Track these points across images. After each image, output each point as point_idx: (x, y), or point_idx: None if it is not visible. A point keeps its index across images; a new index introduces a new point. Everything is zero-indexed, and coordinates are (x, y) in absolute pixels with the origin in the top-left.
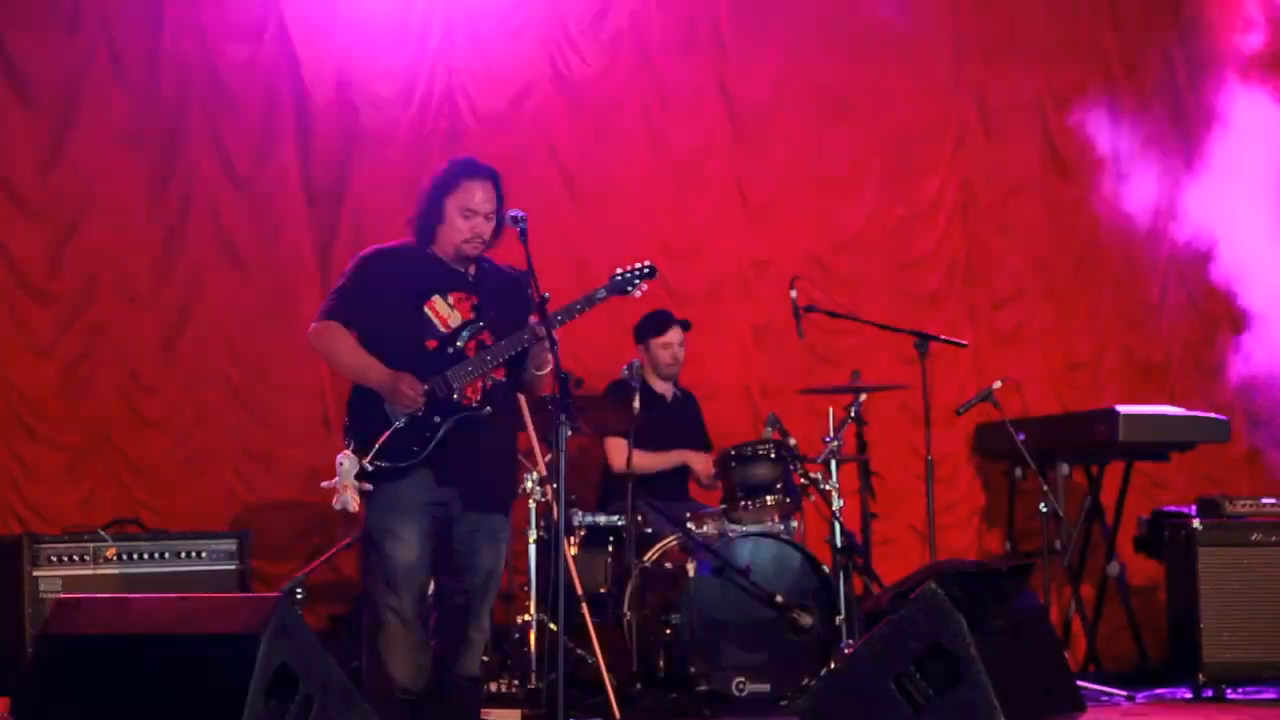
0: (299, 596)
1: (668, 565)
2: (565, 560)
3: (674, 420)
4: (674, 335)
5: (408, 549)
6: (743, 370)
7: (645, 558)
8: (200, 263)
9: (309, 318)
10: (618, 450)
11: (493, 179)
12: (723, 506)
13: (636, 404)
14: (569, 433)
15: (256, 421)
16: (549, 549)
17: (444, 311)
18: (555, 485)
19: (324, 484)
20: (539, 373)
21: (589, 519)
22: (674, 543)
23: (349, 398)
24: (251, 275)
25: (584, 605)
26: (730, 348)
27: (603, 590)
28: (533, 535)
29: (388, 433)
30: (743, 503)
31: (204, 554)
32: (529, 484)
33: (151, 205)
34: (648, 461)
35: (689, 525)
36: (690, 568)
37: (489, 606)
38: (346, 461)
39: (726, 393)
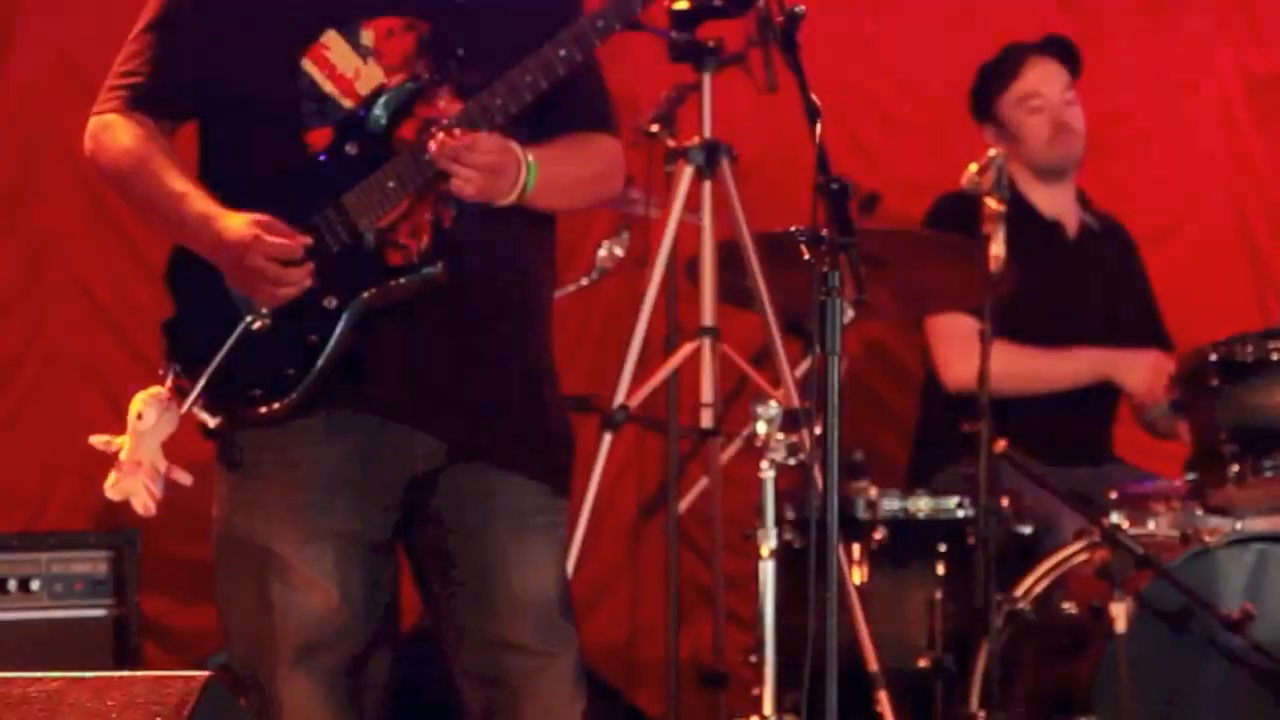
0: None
1: (1068, 606)
2: (842, 595)
3: (1084, 280)
4: (1042, 70)
5: (307, 582)
6: (1233, 172)
7: (1018, 589)
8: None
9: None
10: (959, 345)
11: None
12: (1191, 476)
13: (998, 244)
14: (850, 314)
15: (128, 353)
16: (800, 570)
17: (345, 64)
18: (817, 431)
19: (98, 441)
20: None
21: (894, 504)
22: (1083, 555)
23: (165, 272)
24: None
25: (883, 694)
26: (1205, 123)
27: (923, 663)
28: (769, 541)
29: (229, 343)
30: (1236, 467)
31: (45, 582)
32: (760, 425)
33: None
34: (1025, 368)
35: (1114, 514)
36: (1117, 612)
37: (574, 674)
38: (153, 411)
39: (1196, 225)
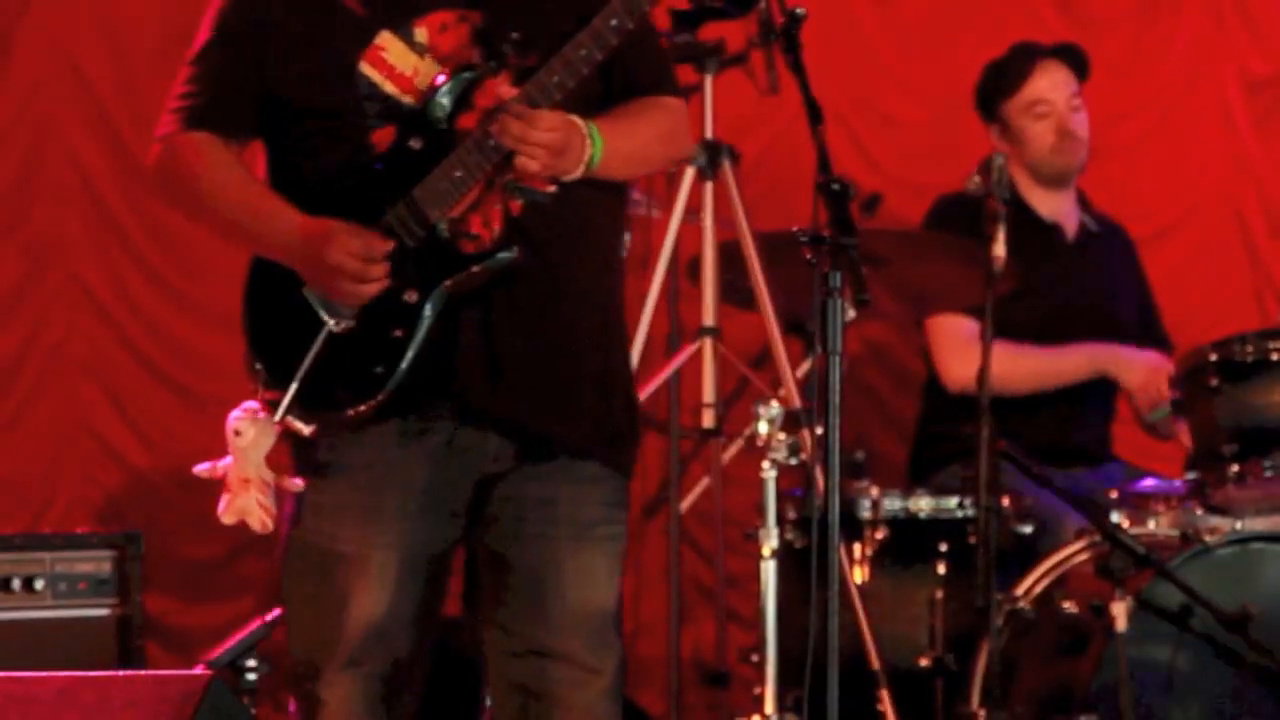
0: (251, 675)
1: (1068, 605)
2: (843, 594)
3: (1082, 283)
4: (1051, 76)
5: (369, 587)
6: (1232, 172)
7: (1019, 588)
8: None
9: None
10: (958, 347)
11: None
12: (1192, 475)
13: (999, 245)
14: (851, 314)
15: (129, 353)
16: (802, 570)
17: (403, 63)
18: (818, 429)
19: (201, 469)
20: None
21: (895, 504)
22: (1083, 554)
23: (245, 286)
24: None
25: (884, 692)
26: (1204, 123)
27: (924, 662)
28: (770, 541)
29: (314, 349)
30: (1236, 466)
31: (49, 582)
32: (761, 425)
33: None
34: (1024, 366)
35: (1114, 514)
36: (1118, 611)
37: (603, 689)
38: (249, 427)
39: (1195, 225)
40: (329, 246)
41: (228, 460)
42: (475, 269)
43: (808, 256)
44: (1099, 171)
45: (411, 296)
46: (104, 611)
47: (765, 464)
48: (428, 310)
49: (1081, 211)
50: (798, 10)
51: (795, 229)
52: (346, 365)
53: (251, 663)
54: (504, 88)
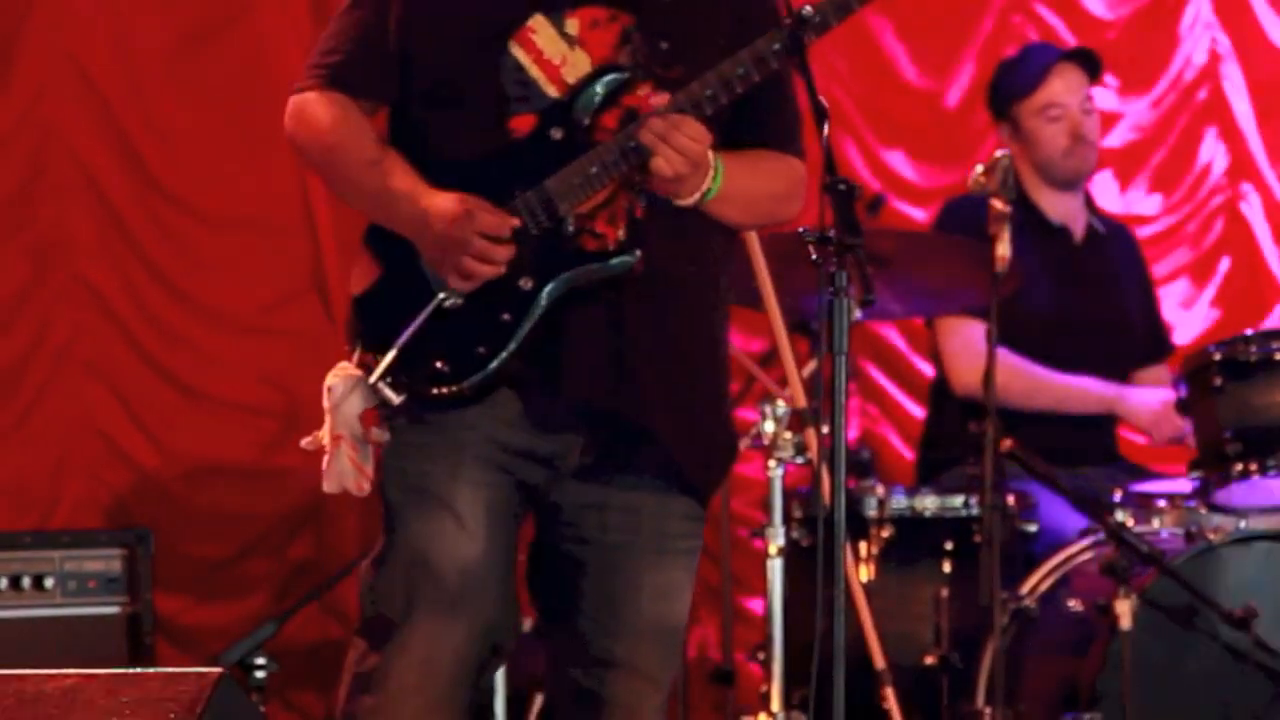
0: (260, 673)
1: (1073, 604)
2: (847, 592)
3: (1089, 284)
4: (1066, 80)
5: (460, 526)
6: (1231, 172)
7: (1024, 586)
8: None
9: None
10: (969, 353)
11: None
12: (1195, 475)
13: (1004, 245)
14: (857, 314)
15: (135, 352)
16: (808, 568)
17: (552, 49)
18: (824, 429)
19: (305, 441)
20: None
21: (901, 502)
22: (1088, 553)
23: (361, 249)
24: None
25: (889, 690)
26: (1203, 123)
27: (930, 660)
28: (776, 539)
29: (420, 318)
30: (1241, 465)
31: (59, 580)
32: (767, 424)
33: None
34: (1028, 389)
35: (1119, 513)
36: (1123, 610)
37: (659, 703)
38: (341, 384)
39: (1195, 225)
40: (460, 224)
41: (326, 429)
42: (595, 266)
43: (813, 256)
44: (1100, 170)
45: (527, 283)
46: (114, 609)
47: (771, 462)
48: (543, 299)
49: (1088, 213)
50: (803, 10)
51: (801, 229)
52: (449, 342)
53: (261, 660)
54: (655, 94)
